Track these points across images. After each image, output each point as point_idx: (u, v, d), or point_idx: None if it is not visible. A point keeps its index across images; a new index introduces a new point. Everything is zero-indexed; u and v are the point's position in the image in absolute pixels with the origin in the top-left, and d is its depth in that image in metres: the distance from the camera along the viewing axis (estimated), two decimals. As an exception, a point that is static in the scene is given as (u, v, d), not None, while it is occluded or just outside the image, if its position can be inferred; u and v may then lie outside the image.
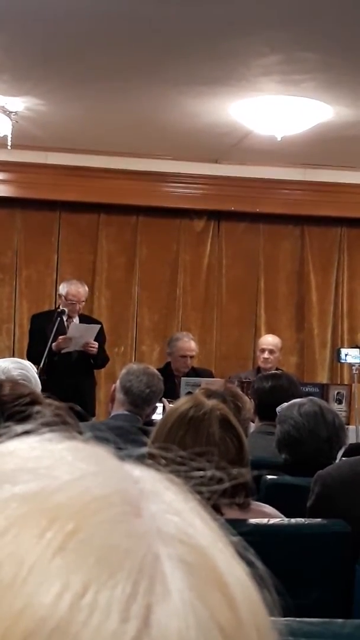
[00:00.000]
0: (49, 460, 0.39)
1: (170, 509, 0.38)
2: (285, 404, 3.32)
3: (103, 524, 0.35)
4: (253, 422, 4.03)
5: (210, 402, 2.24)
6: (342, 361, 6.74)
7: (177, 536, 0.37)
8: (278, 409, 3.36)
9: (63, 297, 6.27)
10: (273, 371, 5.31)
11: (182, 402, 2.26)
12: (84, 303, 6.42)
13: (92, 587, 0.33)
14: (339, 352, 6.72)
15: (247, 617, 0.36)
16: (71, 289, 6.26)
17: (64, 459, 0.39)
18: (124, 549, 0.35)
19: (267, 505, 2.46)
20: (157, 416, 4.09)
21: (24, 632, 0.32)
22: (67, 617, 0.32)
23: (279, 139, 6.25)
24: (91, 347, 6.10)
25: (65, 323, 6.20)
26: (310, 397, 3.40)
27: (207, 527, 0.38)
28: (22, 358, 6.84)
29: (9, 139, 6.25)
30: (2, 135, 6.27)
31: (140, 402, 3.94)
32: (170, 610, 0.34)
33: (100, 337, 6.26)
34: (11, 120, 6.22)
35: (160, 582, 0.34)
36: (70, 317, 6.25)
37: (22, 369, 3.06)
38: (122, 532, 0.35)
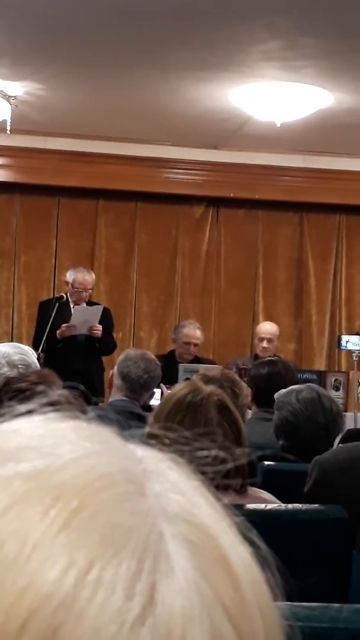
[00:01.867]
0: (53, 439, 0.39)
1: (174, 488, 0.38)
2: (283, 390, 3.32)
3: (107, 502, 0.35)
4: (250, 408, 4.03)
5: (208, 388, 2.24)
6: (343, 348, 6.74)
7: (181, 515, 0.37)
8: (276, 395, 3.36)
9: (69, 285, 6.26)
10: (269, 358, 5.31)
11: (180, 388, 2.26)
12: (90, 291, 6.40)
13: (96, 564, 0.33)
14: (339, 339, 6.72)
15: (251, 597, 0.36)
16: (78, 276, 6.25)
17: (67, 438, 0.39)
18: (128, 527, 0.35)
19: (264, 492, 2.47)
20: (155, 402, 4.09)
21: (28, 609, 0.32)
22: (72, 594, 0.32)
23: (278, 125, 6.23)
24: (95, 330, 6.11)
25: (72, 310, 6.21)
26: (308, 384, 3.40)
27: (210, 507, 0.39)
28: (21, 343, 6.87)
29: (8, 123, 6.23)
30: (1, 120, 6.25)
31: (138, 388, 3.94)
32: (175, 588, 0.34)
33: (107, 322, 6.26)
34: (10, 104, 6.20)
35: (165, 560, 0.34)
36: (77, 305, 6.25)
37: (22, 354, 3.07)
38: (126, 511, 0.35)
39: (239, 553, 0.37)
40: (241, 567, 0.37)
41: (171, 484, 0.38)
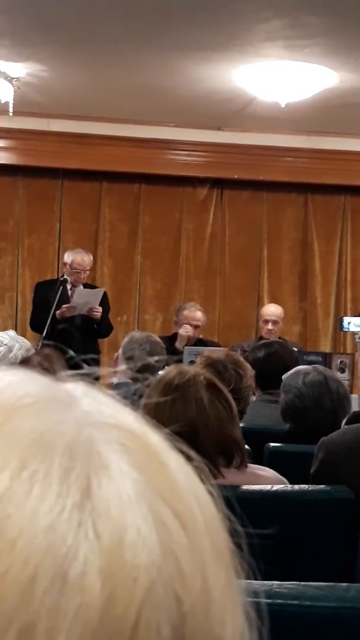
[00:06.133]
0: None
1: (102, 404, 0.39)
2: (290, 372, 3.30)
3: (34, 414, 0.37)
4: (254, 393, 4.02)
5: (193, 369, 2.30)
6: (345, 329, 6.72)
7: (112, 423, 0.38)
8: (283, 377, 3.34)
9: (68, 266, 6.27)
10: (264, 340, 5.28)
11: (167, 372, 2.30)
12: (88, 272, 6.42)
13: (29, 464, 0.34)
14: (341, 321, 6.70)
15: (186, 488, 0.37)
16: (76, 257, 6.26)
17: None
18: (57, 432, 0.36)
19: (264, 468, 2.48)
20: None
21: None
22: (10, 491, 0.34)
23: (283, 105, 6.19)
24: (95, 311, 6.13)
25: (70, 292, 6.21)
26: (315, 365, 3.38)
27: (140, 420, 0.40)
28: (25, 326, 6.87)
29: (11, 105, 6.20)
30: (3, 102, 6.22)
31: (143, 370, 3.93)
32: (109, 478, 0.35)
33: (104, 304, 6.26)
34: (13, 86, 6.17)
35: (97, 456, 0.36)
36: (74, 287, 6.25)
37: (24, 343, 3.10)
38: (53, 420, 0.36)
39: (172, 455, 0.39)
40: (175, 464, 0.38)
41: (100, 401, 0.40)
